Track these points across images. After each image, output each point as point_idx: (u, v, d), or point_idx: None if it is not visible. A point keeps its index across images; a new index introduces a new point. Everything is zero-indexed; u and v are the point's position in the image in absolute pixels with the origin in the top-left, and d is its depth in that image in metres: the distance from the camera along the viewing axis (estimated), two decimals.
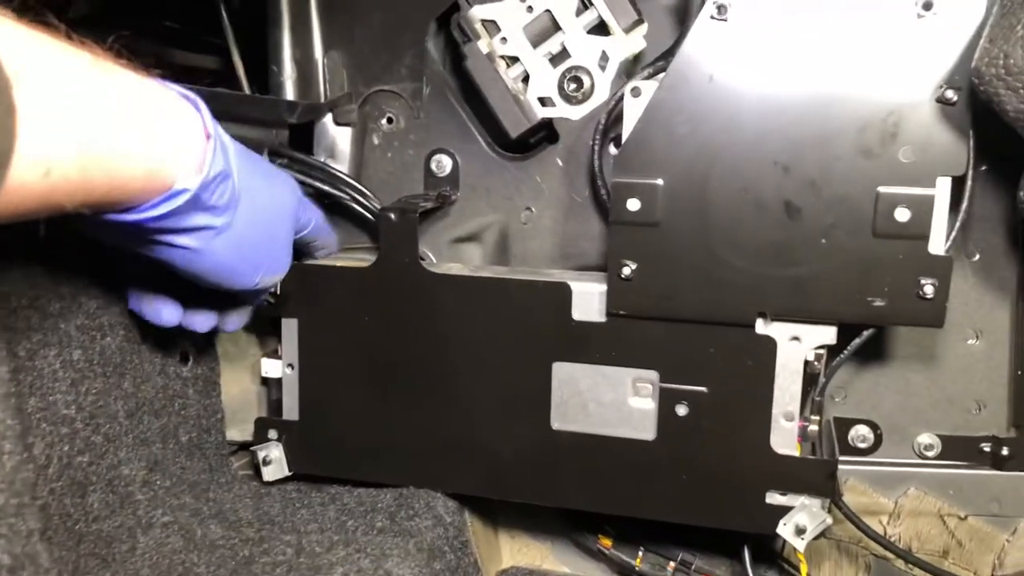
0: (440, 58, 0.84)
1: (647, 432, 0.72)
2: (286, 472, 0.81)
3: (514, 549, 0.92)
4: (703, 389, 0.70)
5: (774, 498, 0.70)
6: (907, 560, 0.76)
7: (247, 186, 0.61)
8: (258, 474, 0.82)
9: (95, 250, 0.68)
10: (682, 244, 0.67)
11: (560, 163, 0.81)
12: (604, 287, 0.70)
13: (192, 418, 0.80)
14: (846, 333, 0.68)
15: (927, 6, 0.60)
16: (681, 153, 0.66)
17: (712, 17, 0.64)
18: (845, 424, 0.80)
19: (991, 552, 0.79)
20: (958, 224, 0.66)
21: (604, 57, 0.77)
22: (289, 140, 0.83)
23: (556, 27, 0.77)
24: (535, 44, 0.78)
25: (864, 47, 0.62)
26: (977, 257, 0.76)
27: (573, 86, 0.78)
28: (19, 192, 0.42)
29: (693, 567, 0.80)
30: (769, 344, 0.68)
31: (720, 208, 0.66)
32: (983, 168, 0.72)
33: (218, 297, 0.71)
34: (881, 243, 0.63)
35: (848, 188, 0.63)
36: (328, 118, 0.85)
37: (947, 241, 0.65)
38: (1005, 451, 0.76)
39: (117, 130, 0.47)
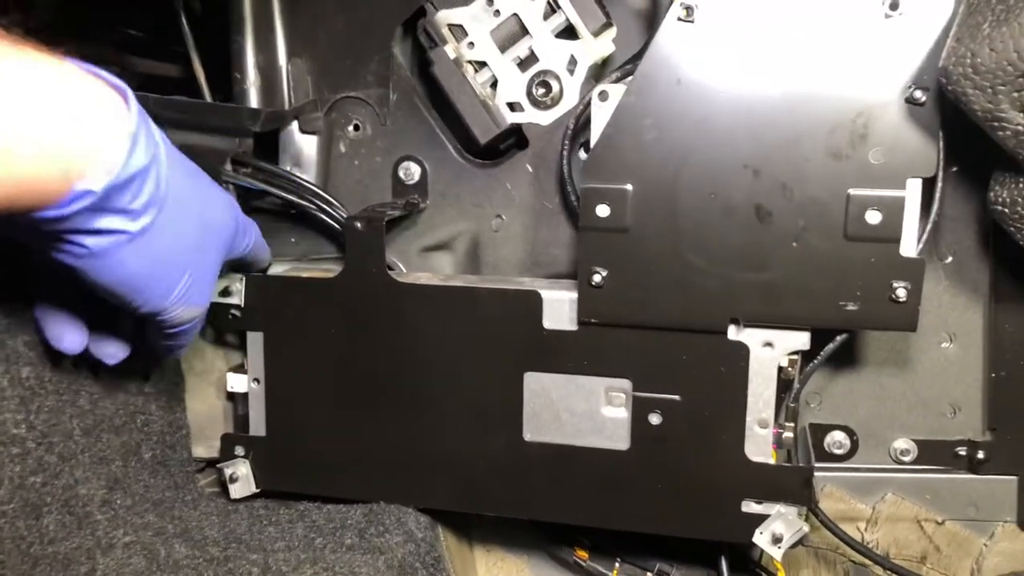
0: (407, 64, 0.83)
1: (621, 442, 0.71)
2: (253, 489, 0.79)
3: (489, 563, 0.91)
4: (676, 397, 0.69)
5: (750, 506, 0.69)
6: (885, 567, 0.75)
7: (176, 195, 0.55)
8: (225, 491, 0.80)
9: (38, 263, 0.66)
10: (652, 250, 0.66)
11: (530, 169, 0.79)
12: (575, 295, 0.69)
13: (156, 434, 0.78)
14: (820, 338, 0.67)
15: (894, 6, 0.60)
16: (650, 158, 0.65)
17: (679, 19, 0.63)
18: (821, 430, 0.79)
19: (969, 557, 0.78)
20: (929, 226, 0.65)
21: (572, 61, 0.76)
22: (254, 149, 0.81)
23: (524, 31, 0.76)
24: (503, 49, 0.77)
25: (832, 48, 0.61)
26: (950, 259, 0.75)
27: (542, 91, 0.77)
28: None
29: None
30: (742, 350, 0.67)
31: (690, 213, 0.65)
32: (954, 169, 0.71)
33: (133, 327, 0.67)
34: (852, 246, 0.63)
35: (818, 191, 0.63)
36: (294, 126, 0.83)
37: (919, 243, 0.64)
38: (981, 454, 0.75)
39: (25, 127, 0.44)
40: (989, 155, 0.60)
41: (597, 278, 0.68)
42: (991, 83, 0.52)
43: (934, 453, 0.78)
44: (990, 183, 0.61)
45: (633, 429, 0.71)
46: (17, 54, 0.45)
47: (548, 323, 0.71)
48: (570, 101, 0.77)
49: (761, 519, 0.69)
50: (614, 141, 0.66)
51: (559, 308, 0.70)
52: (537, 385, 0.72)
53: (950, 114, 0.60)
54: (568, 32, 0.76)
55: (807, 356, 0.68)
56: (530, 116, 0.78)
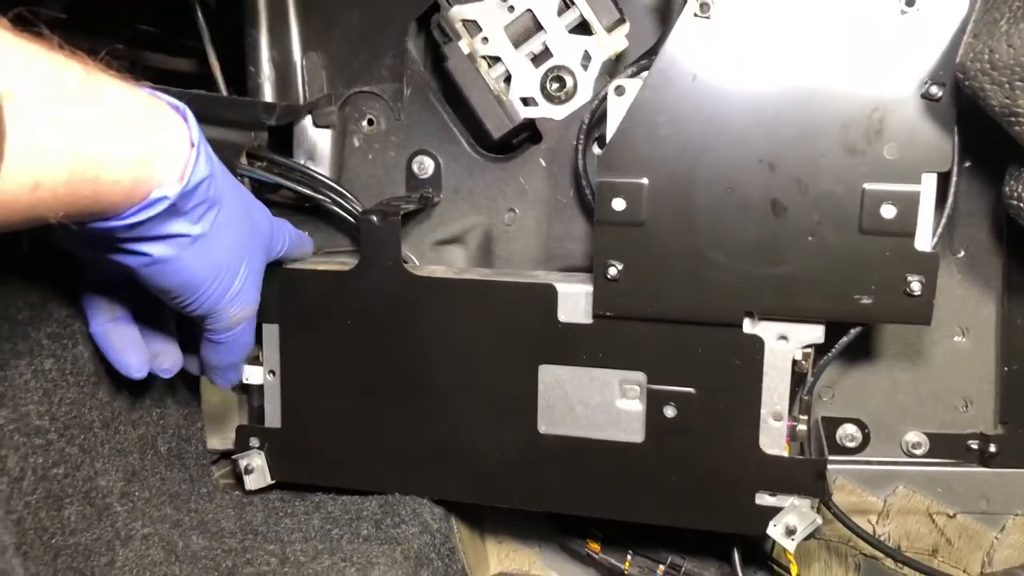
0: (421, 58, 0.83)
1: (635, 434, 0.72)
2: (268, 481, 0.80)
3: (501, 555, 0.91)
4: (691, 390, 0.70)
5: (763, 499, 0.70)
6: (896, 559, 0.76)
7: (228, 200, 0.60)
8: (240, 483, 0.81)
9: (63, 257, 0.67)
10: (668, 244, 0.67)
11: (543, 163, 0.80)
12: (590, 288, 0.70)
13: (171, 427, 0.79)
14: (833, 331, 0.68)
15: (910, 2, 0.60)
16: (666, 152, 0.66)
17: (695, 15, 0.64)
18: (833, 423, 0.80)
19: (980, 549, 0.79)
20: (944, 220, 0.66)
21: (586, 56, 0.76)
22: (268, 142, 0.82)
23: (538, 27, 0.77)
24: (517, 44, 0.77)
25: (848, 44, 0.62)
26: (963, 253, 0.76)
27: (556, 86, 0.78)
28: (5, 208, 0.42)
29: (683, 570, 0.80)
30: (756, 343, 0.67)
31: (705, 207, 0.65)
32: (968, 164, 0.72)
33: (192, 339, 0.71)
34: (867, 240, 0.63)
35: (834, 185, 0.63)
36: (308, 120, 0.84)
37: (933, 237, 0.64)
38: (992, 448, 0.76)
39: (105, 143, 0.47)
40: (1004, 150, 0.61)
41: (612, 271, 0.68)
42: (1008, 79, 0.52)
43: (946, 446, 0.78)
44: (1005, 178, 0.62)
45: (648, 422, 0.71)
46: (102, 80, 0.49)
47: (563, 316, 0.71)
48: (584, 96, 0.77)
49: (775, 511, 0.69)
50: (630, 135, 0.66)
51: (574, 301, 0.71)
52: (552, 378, 0.73)
53: (965, 109, 0.60)
54: (582, 28, 0.76)
55: (821, 349, 0.69)
56: (544, 111, 0.78)
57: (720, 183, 0.65)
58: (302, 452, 0.79)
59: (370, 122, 0.83)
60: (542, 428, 0.73)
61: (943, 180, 0.64)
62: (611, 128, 0.67)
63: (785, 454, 0.69)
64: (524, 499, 0.76)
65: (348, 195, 0.79)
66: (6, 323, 0.62)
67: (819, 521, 0.69)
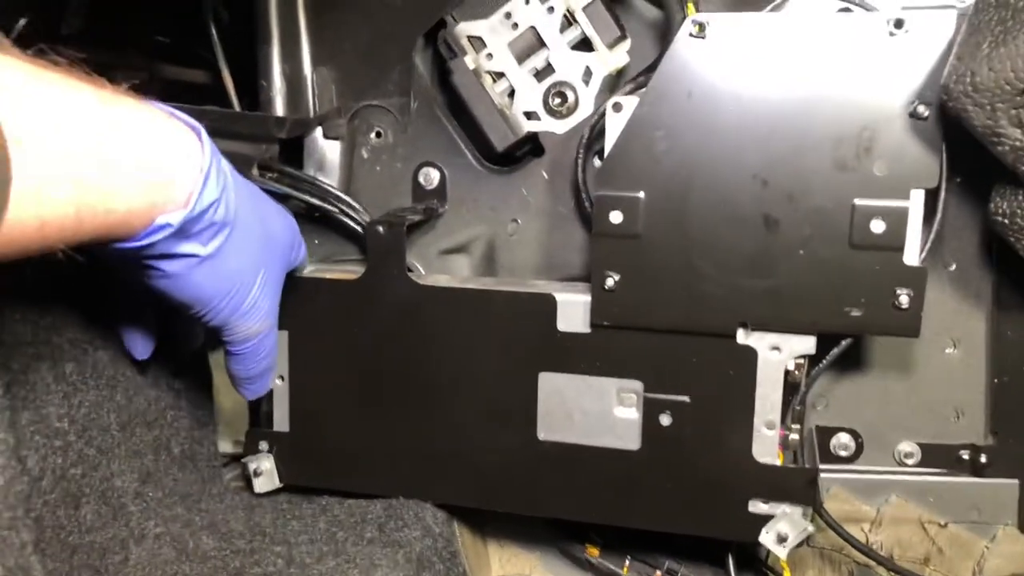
0: (428, 73, 0.85)
1: (632, 442, 0.74)
2: (277, 484, 0.82)
3: (503, 559, 0.93)
4: (686, 399, 0.71)
5: (756, 506, 0.71)
6: (888, 568, 0.77)
7: (242, 218, 0.60)
8: (250, 486, 0.83)
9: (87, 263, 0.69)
10: (664, 256, 0.69)
11: (545, 176, 0.82)
12: (588, 298, 0.72)
13: (184, 429, 0.81)
14: (826, 342, 0.69)
15: (898, 24, 0.62)
16: (661, 167, 0.68)
17: (691, 35, 0.66)
18: (827, 432, 0.81)
19: (971, 559, 0.80)
20: (932, 235, 0.68)
21: (588, 72, 0.79)
22: (280, 154, 0.84)
23: (541, 43, 0.79)
24: (520, 60, 0.79)
25: (838, 64, 0.63)
26: (953, 267, 0.77)
27: (558, 101, 0.80)
28: (14, 238, 0.42)
29: (679, 575, 0.81)
30: (750, 354, 0.69)
31: (700, 221, 0.67)
32: (958, 180, 0.73)
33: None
34: (857, 254, 0.65)
35: (825, 201, 0.65)
36: (318, 132, 0.86)
37: (922, 252, 0.66)
38: (983, 458, 0.77)
39: (114, 175, 0.48)
40: (991, 168, 0.62)
41: (610, 282, 0.70)
42: (990, 100, 0.54)
43: (938, 456, 0.79)
44: (991, 195, 0.63)
45: (644, 429, 0.73)
46: (116, 103, 0.49)
47: (562, 325, 0.73)
48: (585, 111, 0.79)
49: (767, 519, 0.71)
50: (627, 151, 0.68)
51: (573, 311, 0.73)
52: (551, 385, 0.75)
53: (953, 127, 0.62)
54: (584, 44, 0.78)
55: (813, 360, 0.71)
56: (546, 125, 0.80)
57: (714, 198, 0.67)
58: (309, 456, 0.82)
59: (378, 135, 0.86)
60: (542, 435, 0.75)
61: (932, 196, 0.65)
62: (609, 143, 0.69)
63: (778, 462, 0.71)
64: (523, 504, 0.78)
65: (356, 205, 0.81)
66: (29, 328, 0.65)
67: (811, 529, 0.71)
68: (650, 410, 0.72)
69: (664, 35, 0.81)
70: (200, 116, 0.72)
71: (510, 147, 0.81)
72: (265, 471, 0.82)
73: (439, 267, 0.85)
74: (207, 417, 0.85)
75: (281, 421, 0.82)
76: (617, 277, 0.70)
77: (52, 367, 0.66)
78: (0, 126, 0.40)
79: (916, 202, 0.64)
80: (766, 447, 0.71)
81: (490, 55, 0.79)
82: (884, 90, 0.63)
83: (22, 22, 0.70)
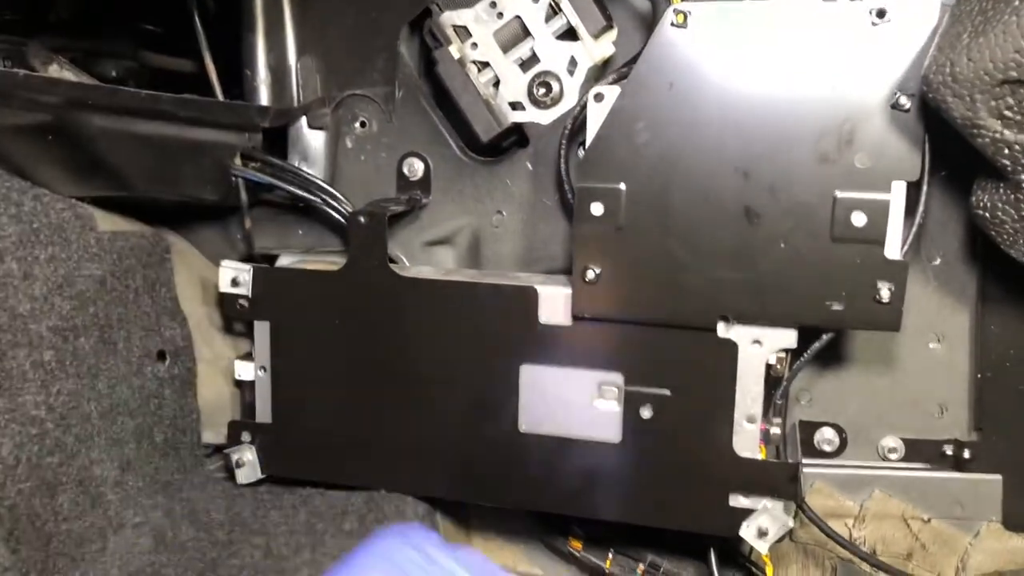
0: (413, 63, 0.85)
1: (613, 435, 0.73)
2: (259, 475, 0.82)
3: (486, 551, 0.93)
4: (667, 392, 0.71)
5: (737, 500, 0.71)
6: (871, 563, 0.76)
7: None
8: (232, 476, 0.83)
9: (67, 250, 0.69)
10: (645, 248, 0.68)
11: (530, 167, 0.81)
12: (569, 291, 0.71)
13: (167, 418, 0.81)
14: (807, 336, 0.69)
15: (881, 14, 0.61)
16: (643, 158, 0.67)
17: (673, 24, 0.65)
18: (811, 427, 0.81)
19: (954, 554, 0.79)
20: (914, 229, 0.67)
21: (573, 62, 0.78)
22: (264, 144, 0.84)
23: (526, 33, 0.78)
24: (505, 49, 0.79)
25: (820, 55, 0.63)
26: (938, 261, 0.76)
27: (542, 91, 0.79)
28: None
29: (662, 570, 0.81)
30: (731, 347, 0.69)
31: (681, 213, 0.67)
32: (943, 174, 0.72)
33: None
34: (838, 247, 0.64)
35: (806, 194, 0.64)
36: (302, 122, 0.86)
37: (904, 246, 0.65)
38: (967, 454, 0.77)
39: None
40: (974, 159, 0.62)
41: (591, 275, 0.70)
42: (969, 91, 0.53)
43: (921, 452, 0.79)
44: (973, 188, 0.63)
45: (625, 422, 0.72)
46: None
47: (544, 318, 0.73)
48: (570, 101, 0.78)
49: (748, 513, 0.71)
50: (608, 142, 0.68)
51: (554, 303, 0.72)
52: (532, 378, 0.74)
53: (938, 119, 0.61)
54: (569, 34, 0.77)
55: (795, 353, 0.70)
56: (531, 115, 0.80)
57: (695, 190, 0.66)
58: (291, 447, 0.81)
59: (362, 124, 0.85)
60: (523, 427, 0.75)
61: (915, 189, 0.65)
62: (590, 135, 0.69)
63: (759, 457, 0.71)
64: (505, 498, 0.77)
65: (339, 196, 0.81)
66: (6, 315, 0.65)
67: (791, 524, 0.70)
68: (631, 403, 0.72)
69: (652, 25, 0.80)
70: (182, 105, 0.73)
71: (495, 138, 0.80)
72: (247, 462, 0.82)
73: (423, 259, 0.85)
74: (190, 406, 0.84)
75: (263, 412, 0.81)
76: (598, 270, 0.69)
77: (29, 355, 0.65)
78: None
79: (898, 195, 0.63)
80: (747, 441, 0.70)
81: (475, 44, 0.79)
82: (866, 81, 0.62)
83: None
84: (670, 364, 0.70)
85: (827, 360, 0.79)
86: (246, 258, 0.86)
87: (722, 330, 0.69)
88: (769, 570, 0.76)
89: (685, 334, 0.69)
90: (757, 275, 0.66)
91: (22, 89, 0.62)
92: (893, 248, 0.64)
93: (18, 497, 0.63)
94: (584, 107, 0.75)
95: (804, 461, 0.80)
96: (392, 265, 0.76)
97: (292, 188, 0.81)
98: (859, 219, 0.63)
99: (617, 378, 0.72)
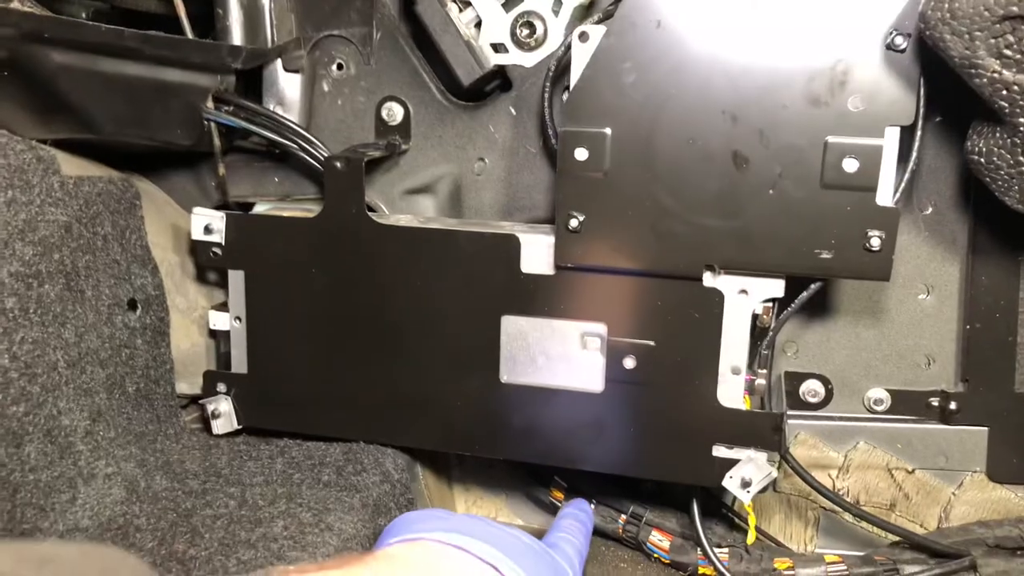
0: (391, 2, 0.81)
1: (595, 384, 0.72)
2: (235, 426, 0.81)
3: (468, 502, 0.92)
4: (650, 343, 0.70)
5: (720, 451, 0.70)
6: (854, 513, 0.76)
7: None
8: (208, 427, 0.81)
9: (29, 194, 0.66)
10: (630, 195, 0.66)
11: (513, 112, 0.79)
12: (552, 239, 0.69)
13: (140, 368, 0.79)
14: (795, 286, 0.67)
15: None
16: (629, 101, 0.65)
17: None
18: (797, 378, 0.80)
19: (937, 505, 0.79)
20: (907, 176, 0.65)
21: (558, 2, 0.75)
22: (238, 87, 0.81)
23: None
24: None
25: None
26: (929, 210, 0.75)
27: (526, 32, 0.76)
28: None
29: (644, 520, 0.80)
30: (716, 297, 0.67)
31: (668, 158, 0.65)
32: (937, 120, 0.70)
33: None
34: (829, 194, 0.62)
35: (796, 138, 0.62)
36: (278, 64, 0.82)
37: (896, 193, 0.64)
38: (953, 405, 0.76)
39: None
40: (971, 106, 0.60)
41: (574, 223, 0.68)
42: (968, 28, 0.51)
43: (907, 403, 0.78)
44: (968, 132, 0.61)
45: (607, 373, 0.71)
46: None
47: (526, 267, 0.71)
48: (554, 43, 0.76)
49: (732, 464, 0.70)
50: (593, 84, 0.65)
51: (537, 252, 0.71)
52: (514, 328, 0.73)
53: (935, 63, 0.59)
54: None
55: (782, 304, 0.69)
56: (514, 58, 0.77)
57: (682, 134, 0.64)
58: (268, 398, 0.80)
59: (339, 67, 0.82)
60: (504, 378, 0.74)
61: (907, 134, 0.63)
62: (575, 76, 0.66)
63: (744, 407, 0.70)
64: (486, 448, 0.76)
65: (315, 141, 0.78)
66: None
67: (775, 474, 0.69)
68: (614, 354, 0.71)
69: None
70: (148, 41, 0.70)
71: (477, 81, 0.77)
72: (223, 413, 0.80)
73: (404, 207, 0.83)
74: (164, 356, 0.82)
75: (239, 363, 0.80)
76: (582, 217, 0.67)
77: None
78: None
79: (891, 140, 0.62)
80: (731, 392, 0.69)
81: None
82: (860, 19, 0.60)
83: None
84: (654, 314, 0.69)
85: (813, 311, 0.78)
86: (221, 206, 0.83)
87: (708, 279, 0.67)
88: (752, 520, 0.76)
89: (670, 284, 0.68)
90: (744, 222, 0.64)
91: None
92: (885, 195, 0.62)
93: None
94: (568, 48, 0.72)
95: (789, 412, 0.79)
96: (370, 213, 0.74)
97: (267, 133, 0.78)
98: (851, 165, 0.61)
99: (600, 328, 0.71)
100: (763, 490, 0.70)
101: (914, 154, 0.64)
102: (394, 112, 0.81)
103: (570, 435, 0.73)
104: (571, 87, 0.66)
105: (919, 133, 0.64)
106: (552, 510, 0.87)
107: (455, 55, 0.77)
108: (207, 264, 0.80)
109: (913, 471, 0.79)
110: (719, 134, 0.63)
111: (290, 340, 0.78)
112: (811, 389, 0.80)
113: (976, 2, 0.49)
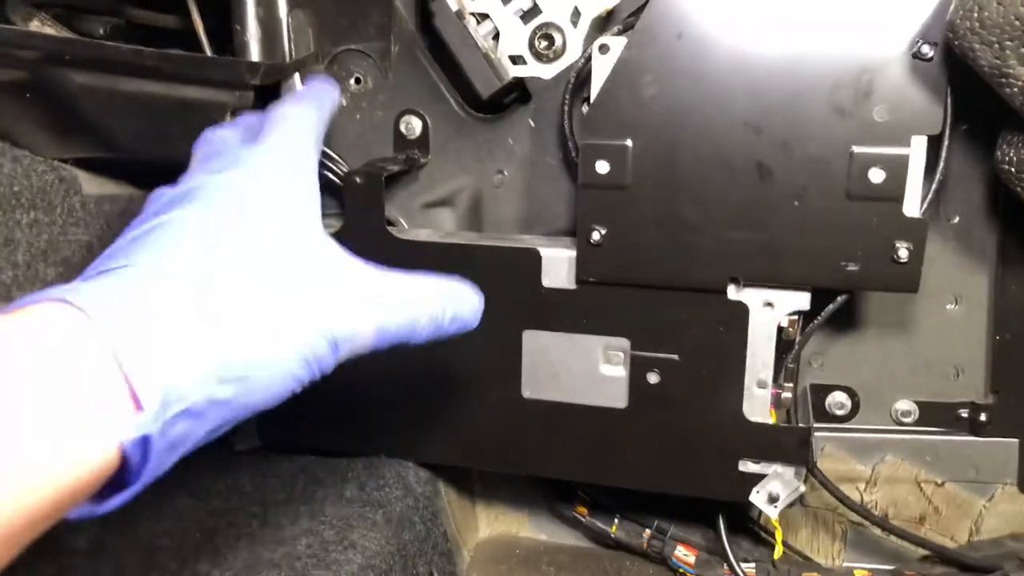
0: (409, 16, 0.81)
1: (619, 400, 0.71)
2: (257, 443, 0.80)
3: (491, 517, 0.92)
4: (675, 357, 0.69)
5: (747, 466, 0.69)
6: (883, 527, 0.75)
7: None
8: (230, 445, 0.81)
9: (51, 215, 0.66)
10: (652, 208, 0.66)
11: (532, 124, 0.78)
12: (574, 253, 0.69)
13: None
14: (821, 298, 0.66)
15: None
16: (650, 114, 0.64)
17: None
18: (823, 391, 0.79)
19: (968, 518, 0.78)
20: (934, 186, 0.64)
21: (576, 13, 0.74)
22: (257, 101, 0.81)
23: None
24: (505, 0, 0.75)
25: (837, 1, 0.59)
26: (957, 219, 0.74)
27: (544, 43, 0.76)
28: None
29: (668, 535, 0.80)
30: (741, 310, 0.66)
31: (690, 170, 0.64)
32: (964, 128, 0.69)
33: None
34: (855, 205, 0.62)
35: (821, 149, 0.61)
36: (295, 79, 0.82)
37: (923, 203, 0.63)
38: (983, 417, 0.75)
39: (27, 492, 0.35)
40: (999, 113, 0.59)
41: (596, 236, 0.67)
42: (998, 38, 0.50)
43: (936, 415, 0.77)
44: (997, 141, 0.60)
45: (631, 388, 0.70)
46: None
47: (547, 281, 0.70)
48: (573, 54, 0.75)
49: (758, 479, 0.69)
50: (614, 96, 0.65)
51: (558, 266, 0.70)
52: (536, 343, 0.72)
53: (962, 70, 0.58)
54: None
55: (808, 316, 0.68)
56: (532, 70, 0.76)
57: (705, 146, 0.63)
58: (290, 414, 0.79)
59: (357, 81, 0.82)
60: (526, 393, 0.73)
61: (934, 144, 0.62)
62: (595, 89, 0.66)
63: (770, 421, 0.69)
64: (509, 463, 0.76)
65: (334, 155, 0.78)
66: None
67: (802, 489, 0.69)
68: (638, 368, 0.70)
69: None
70: (168, 60, 0.70)
71: (495, 94, 0.77)
72: (245, 430, 0.80)
73: (422, 221, 0.82)
74: None
75: None
76: (604, 231, 0.67)
77: None
78: None
79: (918, 150, 0.61)
80: (758, 406, 0.68)
81: None
82: (885, 29, 0.59)
83: None
84: (678, 328, 0.68)
85: (839, 322, 0.77)
86: None
87: (732, 292, 0.66)
88: (778, 534, 0.75)
89: (694, 297, 0.67)
90: (769, 235, 0.64)
91: None
92: (912, 206, 0.61)
93: None
94: (588, 60, 0.71)
95: (816, 425, 0.78)
96: (390, 227, 0.74)
97: None
98: (877, 175, 0.60)
99: (623, 343, 0.70)
100: (790, 505, 0.69)
101: (941, 163, 0.63)
102: (412, 125, 0.81)
103: (593, 450, 0.73)
104: (591, 100, 0.66)
105: (946, 142, 0.63)
106: (576, 525, 0.86)
107: (473, 68, 0.76)
108: None
109: (943, 484, 0.77)
110: (742, 146, 0.63)
111: None
112: (838, 402, 0.79)
113: (1007, 12, 0.49)
